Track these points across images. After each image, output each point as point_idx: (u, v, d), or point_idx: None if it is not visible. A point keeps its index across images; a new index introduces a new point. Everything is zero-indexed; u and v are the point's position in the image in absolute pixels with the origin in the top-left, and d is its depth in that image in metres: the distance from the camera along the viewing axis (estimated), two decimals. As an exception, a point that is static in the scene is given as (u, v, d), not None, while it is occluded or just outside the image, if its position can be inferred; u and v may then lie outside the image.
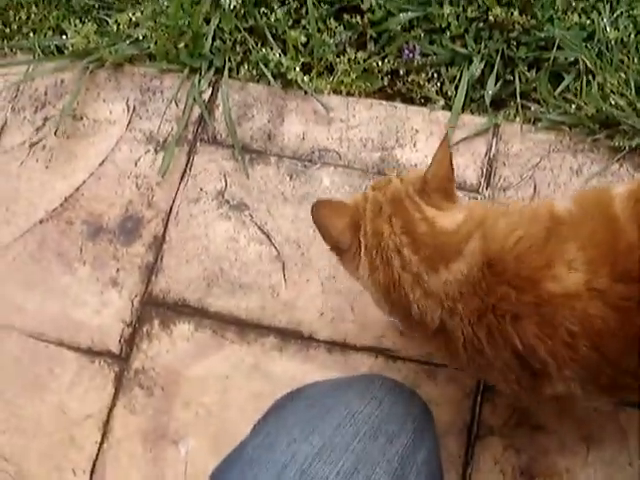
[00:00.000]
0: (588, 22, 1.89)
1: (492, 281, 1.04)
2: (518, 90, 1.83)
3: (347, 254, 1.17)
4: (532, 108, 1.82)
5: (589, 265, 1.00)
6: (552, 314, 1.01)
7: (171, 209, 1.74)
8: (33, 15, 2.03)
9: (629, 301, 0.98)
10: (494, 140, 1.77)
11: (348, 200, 1.22)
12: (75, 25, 1.98)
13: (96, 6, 2.02)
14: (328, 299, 1.62)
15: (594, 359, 1.02)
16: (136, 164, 1.80)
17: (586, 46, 1.85)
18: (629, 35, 1.86)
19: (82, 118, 1.87)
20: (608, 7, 1.91)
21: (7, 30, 2.02)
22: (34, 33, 2.02)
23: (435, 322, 1.09)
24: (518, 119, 1.80)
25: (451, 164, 1.20)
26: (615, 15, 1.90)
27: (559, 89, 1.83)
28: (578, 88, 1.81)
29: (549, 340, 1.02)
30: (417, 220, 1.11)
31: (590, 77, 1.82)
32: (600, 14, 1.90)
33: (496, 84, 1.84)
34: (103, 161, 1.81)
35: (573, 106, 1.79)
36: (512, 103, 1.84)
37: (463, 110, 1.81)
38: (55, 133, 1.85)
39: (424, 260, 1.08)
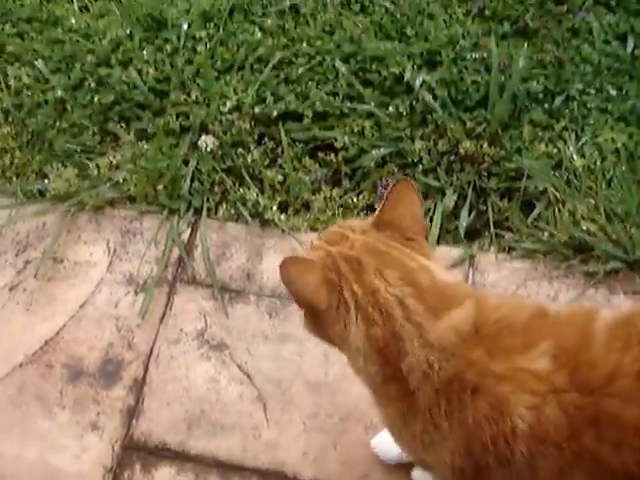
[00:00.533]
0: (555, 151, 1.96)
1: (474, 341, 1.06)
2: (491, 220, 1.88)
3: (327, 313, 1.10)
4: (506, 237, 1.86)
5: (556, 359, 1.02)
6: (508, 397, 1.02)
7: (151, 351, 1.74)
8: (17, 160, 2.09)
9: (580, 411, 0.99)
10: (470, 270, 1.79)
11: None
12: (57, 169, 2.04)
13: (78, 150, 2.08)
14: (311, 438, 1.61)
15: (526, 471, 1.03)
16: (116, 306, 1.81)
17: (555, 175, 1.91)
18: (595, 162, 1.92)
19: (63, 261, 1.90)
20: (574, 135, 1.98)
21: (-9, 175, 2.07)
22: (17, 177, 2.07)
23: (416, 381, 1.08)
24: (493, 248, 1.84)
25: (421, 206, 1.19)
26: (580, 143, 1.97)
27: (531, 217, 1.88)
28: (550, 216, 1.86)
29: (495, 425, 1.02)
30: (416, 270, 1.09)
31: (560, 205, 1.87)
32: (566, 143, 1.97)
33: (470, 215, 1.89)
34: (84, 303, 1.82)
35: (546, 234, 1.83)
36: (486, 233, 1.88)
37: (438, 242, 1.84)
38: (35, 276, 1.87)
39: (429, 309, 1.07)
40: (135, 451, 1.64)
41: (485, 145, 1.95)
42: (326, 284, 1.08)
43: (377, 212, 1.15)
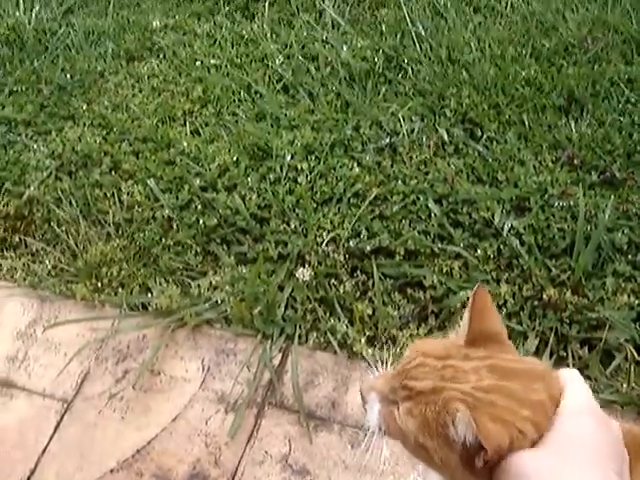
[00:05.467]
0: (637, 303, 2.00)
1: None
2: (571, 366, 1.91)
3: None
4: (585, 386, 1.89)
5: None
6: None
7: (237, 469, 1.82)
8: (123, 272, 2.24)
9: None
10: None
11: None
12: (160, 284, 2.17)
13: (180, 268, 2.22)
14: None
15: None
16: (207, 423, 1.90)
17: (636, 327, 1.95)
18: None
19: (160, 373, 2.01)
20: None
21: (98, 284, 2.22)
22: (122, 288, 2.21)
23: None
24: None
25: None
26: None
27: (611, 368, 1.91)
28: (629, 367, 1.90)
29: None
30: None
31: (640, 358, 1.91)
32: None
33: (550, 359, 1.93)
34: (176, 417, 1.92)
35: (624, 385, 1.86)
36: (566, 380, 1.91)
37: (518, 385, 1.89)
38: (134, 386, 1.98)
39: None
40: None
41: (568, 293, 2.01)
42: (497, 422, 0.89)
43: (466, 328, 1.01)
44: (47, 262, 2.33)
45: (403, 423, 0.97)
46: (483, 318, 1.02)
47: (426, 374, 0.98)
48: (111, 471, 1.86)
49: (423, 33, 2.94)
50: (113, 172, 2.51)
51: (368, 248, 2.14)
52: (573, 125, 2.50)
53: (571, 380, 0.97)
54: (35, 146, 2.65)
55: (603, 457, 0.89)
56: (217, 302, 2.09)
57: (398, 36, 2.95)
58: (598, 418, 0.93)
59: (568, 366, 1.92)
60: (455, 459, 0.93)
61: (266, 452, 1.84)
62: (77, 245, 2.33)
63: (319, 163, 2.40)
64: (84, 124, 2.73)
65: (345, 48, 2.88)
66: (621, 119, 2.52)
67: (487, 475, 0.93)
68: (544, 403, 0.93)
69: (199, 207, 2.33)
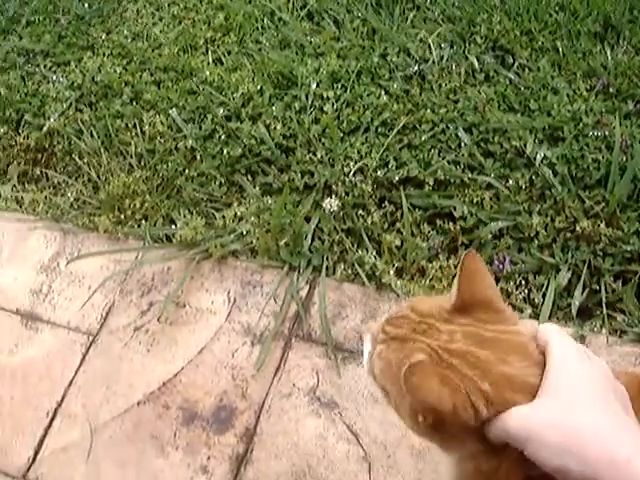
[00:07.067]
0: (674, 237, 1.95)
1: None
2: (604, 300, 1.87)
3: (453, 416, 0.90)
4: (618, 319, 1.85)
5: None
6: None
7: (264, 402, 1.80)
8: (147, 203, 2.20)
9: None
10: (581, 350, 1.79)
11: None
12: (184, 216, 2.14)
13: (204, 199, 2.18)
14: (413, 504, 1.64)
15: None
16: (233, 355, 1.89)
17: (672, 263, 1.90)
18: None
19: (185, 306, 1.99)
20: (694, 220, 1.97)
21: (121, 216, 2.19)
22: (145, 220, 2.18)
23: None
24: (604, 330, 1.84)
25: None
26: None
27: (645, 302, 1.87)
28: (665, 302, 1.85)
29: None
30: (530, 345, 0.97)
31: (676, 291, 1.86)
32: (687, 228, 1.96)
33: (582, 293, 1.89)
34: (202, 349, 1.91)
35: (660, 319, 1.83)
36: (598, 312, 1.87)
37: (550, 318, 1.85)
38: (159, 319, 1.97)
39: None
40: (242, 499, 1.70)
41: (602, 225, 1.95)
42: (447, 386, 0.88)
43: (455, 294, 0.99)
44: (69, 195, 2.30)
45: (374, 363, 1.00)
46: (472, 285, 0.99)
47: (403, 324, 0.99)
48: (138, 403, 1.86)
49: (452, -43, 2.83)
50: (134, 102, 2.46)
51: (396, 178, 2.08)
52: (609, 52, 2.40)
53: (551, 333, 0.94)
54: (54, 77, 2.60)
55: (607, 396, 0.87)
56: (242, 233, 2.05)
57: (426, -40, 2.85)
58: (590, 362, 0.91)
59: (601, 300, 1.88)
60: (406, 408, 0.94)
61: (293, 385, 1.82)
62: (99, 177, 2.30)
63: (345, 91, 2.33)
64: (103, 54, 2.68)
65: (371, -27, 2.78)
66: (659, 45, 2.43)
67: (435, 435, 0.94)
68: (513, 377, 0.90)
69: (223, 137, 2.27)
